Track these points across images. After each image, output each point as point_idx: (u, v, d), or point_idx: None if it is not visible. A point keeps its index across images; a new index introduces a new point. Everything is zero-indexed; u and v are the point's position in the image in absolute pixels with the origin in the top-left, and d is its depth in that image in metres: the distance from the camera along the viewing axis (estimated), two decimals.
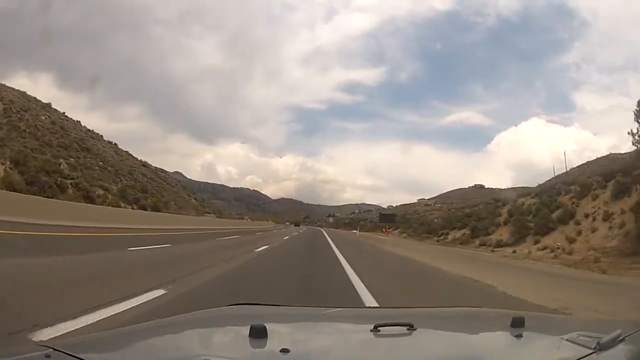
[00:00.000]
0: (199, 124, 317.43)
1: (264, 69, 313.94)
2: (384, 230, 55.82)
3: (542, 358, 1.42)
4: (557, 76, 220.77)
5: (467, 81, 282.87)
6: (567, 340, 1.34)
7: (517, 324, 1.52)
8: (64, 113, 50.88)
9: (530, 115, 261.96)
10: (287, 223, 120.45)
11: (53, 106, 50.22)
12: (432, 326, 1.84)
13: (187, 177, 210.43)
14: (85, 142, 44.59)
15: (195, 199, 64.73)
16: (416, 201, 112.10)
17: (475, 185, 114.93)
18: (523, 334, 1.49)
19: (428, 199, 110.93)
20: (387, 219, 64.29)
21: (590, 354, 1.20)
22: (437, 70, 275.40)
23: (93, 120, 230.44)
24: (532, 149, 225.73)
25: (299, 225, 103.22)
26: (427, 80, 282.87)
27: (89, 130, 52.21)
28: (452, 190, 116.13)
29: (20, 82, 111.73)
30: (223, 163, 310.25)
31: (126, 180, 42.58)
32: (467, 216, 47.14)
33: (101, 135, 54.40)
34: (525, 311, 1.94)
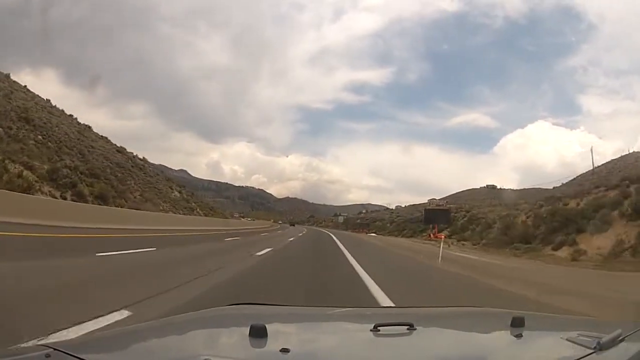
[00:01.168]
0: (205, 122, 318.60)
1: (271, 68, 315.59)
2: (432, 235, 38.05)
3: (542, 358, 1.42)
4: (564, 79, 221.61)
5: (474, 83, 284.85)
6: (567, 340, 1.34)
7: (517, 324, 1.52)
8: (25, 86, 46.09)
9: (537, 118, 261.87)
10: (280, 222, 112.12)
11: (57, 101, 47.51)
12: (432, 326, 1.84)
13: (192, 175, 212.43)
14: (29, 112, 37.84)
15: (179, 192, 58.24)
16: (427, 201, 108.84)
17: (487, 185, 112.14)
18: (523, 334, 1.49)
19: (439, 199, 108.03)
20: (438, 218, 42.80)
21: (590, 353, 1.20)
22: (443, 71, 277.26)
23: (99, 117, 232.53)
24: (537, 151, 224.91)
25: (294, 225, 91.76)
26: (434, 81, 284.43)
27: (50, 104, 46.80)
28: (463, 191, 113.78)
29: (25, 78, 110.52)
30: (229, 162, 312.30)
31: (71, 160, 34.47)
32: (597, 209, 24.35)
33: (75, 118, 49.14)
34: (526, 311, 1.92)
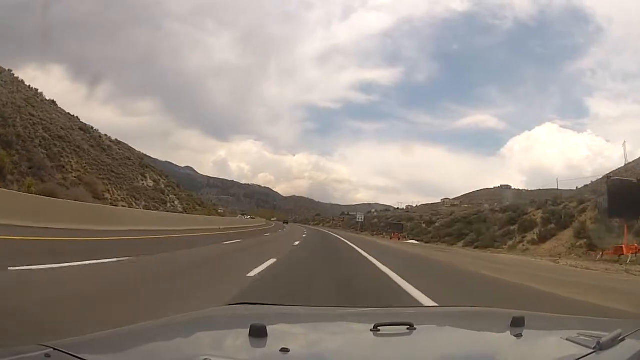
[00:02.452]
0: (212, 120, 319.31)
1: (279, 66, 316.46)
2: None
3: (542, 358, 1.42)
4: (572, 81, 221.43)
5: (482, 84, 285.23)
6: (567, 339, 1.34)
7: (517, 324, 1.51)
8: None
9: (544, 120, 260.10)
10: (274, 219, 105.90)
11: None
12: (432, 326, 1.85)
13: (199, 172, 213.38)
14: None
15: (155, 181, 50.55)
16: (440, 201, 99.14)
17: (501, 185, 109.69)
18: (523, 334, 1.49)
19: (452, 199, 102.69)
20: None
21: (590, 353, 1.20)
22: (452, 71, 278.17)
23: (106, 114, 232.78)
24: (545, 153, 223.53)
25: (287, 223, 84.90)
26: (442, 81, 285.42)
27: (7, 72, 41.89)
28: (478, 190, 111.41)
29: (33, 74, 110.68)
30: (236, 160, 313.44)
31: None
32: None
33: (41, 93, 44.06)
34: (526, 311, 1.92)
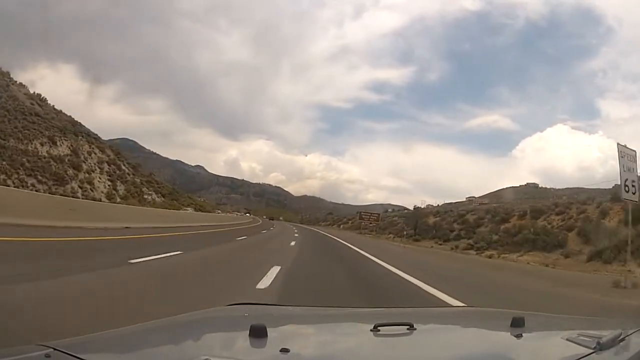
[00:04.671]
0: (224, 119, 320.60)
1: (291, 65, 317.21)
2: None
3: (542, 358, 1.41)
4: (583, 82, 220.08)
5: (494, 84, 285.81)
6: (567, 340, 1.34)
7: (517, 324, 1.51)
8: None
9: (556, 121, 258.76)
10: (265, 216, 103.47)
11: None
12: (432, 326, 1.85)
13: (209, 171, 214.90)
14: None
15: (73, 151, 38.08)
16: (465, 200, 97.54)
17: (527, 183, 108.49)
18: (523, 334, 1.49)
19: (478, 197, 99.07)
20: None
21: (590, 353, 1.20)
22: (464, 71, 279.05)
23: (117, 111, 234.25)
24: (556, 155, 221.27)
25: (272, 220, 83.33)
26: (454, 81, 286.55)
27: None
28: (503, 189, 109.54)
29: (43, 72, 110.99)
30: (247, 159, 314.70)
31: None
32: None
33: None
34: (526, 311, 1.91)
